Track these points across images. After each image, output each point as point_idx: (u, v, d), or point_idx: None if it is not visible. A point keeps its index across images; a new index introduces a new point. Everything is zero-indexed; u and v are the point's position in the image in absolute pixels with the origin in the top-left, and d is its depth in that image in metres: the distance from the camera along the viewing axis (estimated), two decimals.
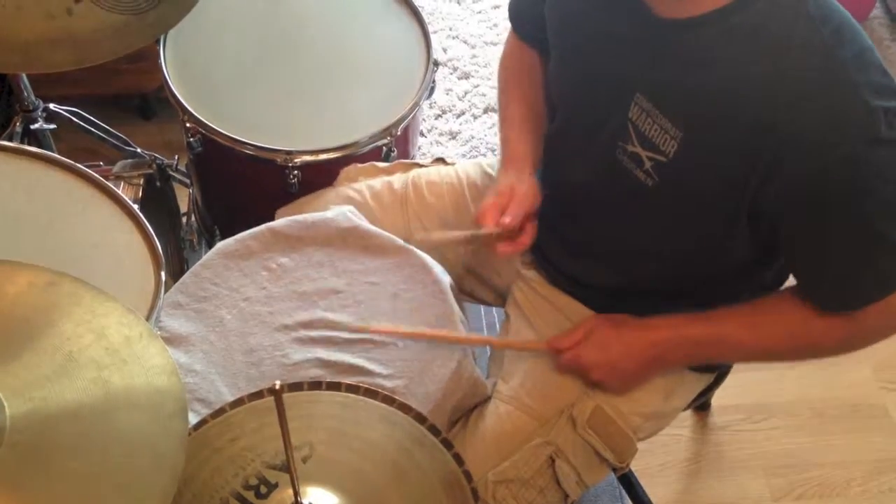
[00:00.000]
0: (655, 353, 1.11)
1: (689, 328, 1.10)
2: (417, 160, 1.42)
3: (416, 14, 1.59)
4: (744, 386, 1.80)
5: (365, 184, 1.35)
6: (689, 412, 1.78)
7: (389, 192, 1.34)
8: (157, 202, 1.53)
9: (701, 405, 1.78)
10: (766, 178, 0.95)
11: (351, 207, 1.28)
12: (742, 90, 0.93)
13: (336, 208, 1.27)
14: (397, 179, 1.36)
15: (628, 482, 1.49)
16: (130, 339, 0.84)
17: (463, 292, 1.36)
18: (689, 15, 0.96)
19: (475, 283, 1.36)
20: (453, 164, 1.39)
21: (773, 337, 1.07)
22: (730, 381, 1.41)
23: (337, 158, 1.40)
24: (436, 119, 2.22)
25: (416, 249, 1.23)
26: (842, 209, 0.95)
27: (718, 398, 1.76)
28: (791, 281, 1.13)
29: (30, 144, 1.52)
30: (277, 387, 0.74)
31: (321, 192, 1.36)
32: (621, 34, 1.03)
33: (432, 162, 1.41)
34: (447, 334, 1.14)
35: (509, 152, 1.21)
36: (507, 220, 1.10)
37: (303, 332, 1.15)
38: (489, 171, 1.35)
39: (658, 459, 1.72)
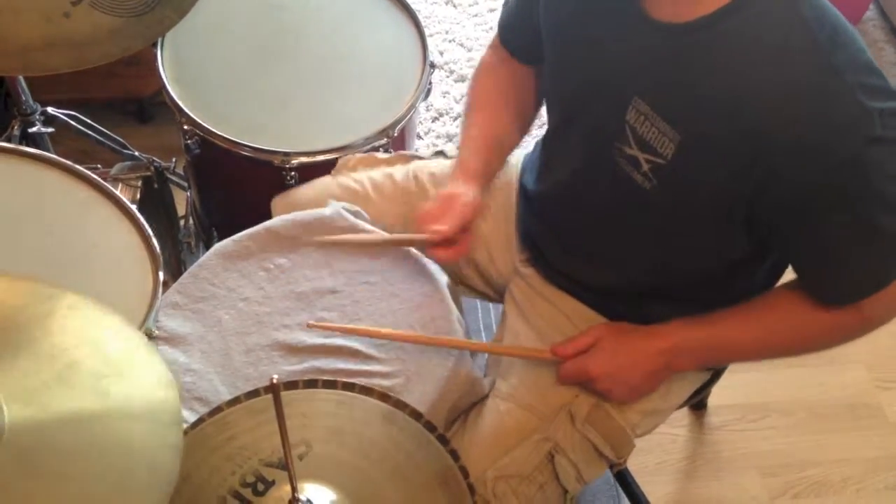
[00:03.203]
0: (664, 361, 1.12)
1: (697, 332, 1.10)
2: (418, 152, 1.42)
3: (412, 17, 1.60)
4: (740, 386, 1.80)
5: (366, 175, 1.35)
6: (685, 411, 1.79)
7: (391, 183, 1.34)
8: (154, 204, 1.53)
9: (698, 405, 1.79)
10: (765, 182, 0.96)
11: (346, 204, 1.28)
12: (739, 94, 0.94)
13: (332, 206, 1.27)
14: (399, 171, 1.36)
15: (625, 481, 1.49)
16: (128, 351, 0.84)
17: (461, 283, 1.37)
18: (685, 19, 0.97)
19: (474, 273, 1.36)
20: (454, 157, 1.40)
21: (779, 333, 1.08)
22: (726, 380, 1.42)
23: (334, 160, 1.41)
24: (433, 122, 2.22)
25: (413, 249, 1.24)
26: (842, 209, 0.96)
27: (715, 398, 1.77)
28: (785, 277, 1.14)
29: (28, 148, 1.53)
30: (274, 381, 0.75)
31: (319, 181, 1.36)
32: (619, 38, 1.03)
33: (432, 155, 1.41)
34: (448, 340, 1.14)
35: (460, 166, 1.23)
36: (440, 228, 1.13)
37: (300, 332, 1.16)
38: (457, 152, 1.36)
39: (655, 458, 1.73)
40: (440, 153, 1.41)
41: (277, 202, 1.35)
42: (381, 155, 1.40)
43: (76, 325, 0.85)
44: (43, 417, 0.77)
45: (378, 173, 1.36)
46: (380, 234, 1.23)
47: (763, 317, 1.08)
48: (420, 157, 1.40)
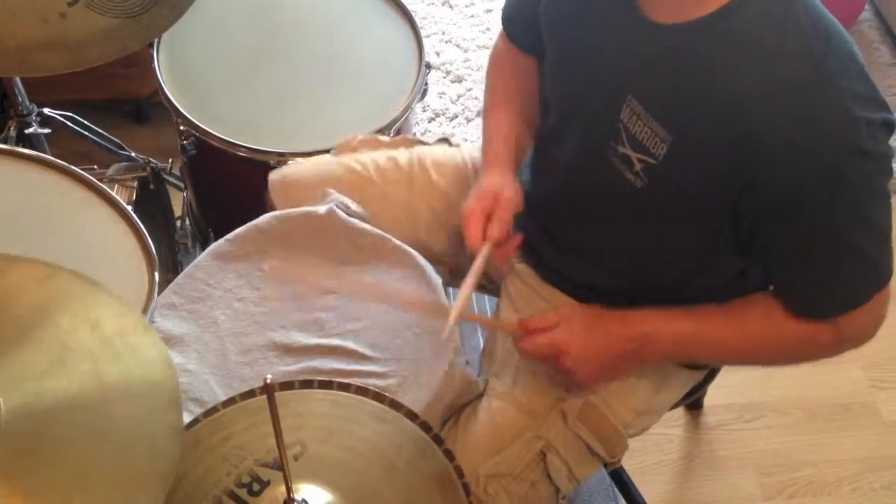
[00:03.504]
0: (632, 347, 1.10)
1: (670, 325, 1.09)
2: (421, 138, 1.41)
3: (408, 17, 1.61)
4: (736, 385, 1.81)
5: (369, 157, 1.34)
6: (681, 411, 1.79)
7: (395, 168, 1.33)
8: (150, 205, 1.53)
9: (693, 404, 1.79)
10: (750, 184, 0.96)
11: (342, 199, 1.27)
12: (731, 96, 0.94)
13: (327, 201, 1.27)
14: (402, 155, 1.35)
15: (621, 481, 1.50)
16: (125, 330, 0.84)
17: (460, 277, 1.36)
18: (681, 20, 0.97)
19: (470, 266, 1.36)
20: (458, 145, 1.39)
21: (755, 338, 1.08)
22: (722, 380, 1.42)
23: None
24: (429, 122, 2.23)
25: (409, 249, 1.24)
26: (820, 218, 0.96)
27: (711, 398, 1.77)
28: None
29: (24, 149, 1.53)
30: (268, 380, 0.75)
31: (320, 158, 1.34)
32: (616, 38, 1.04)
33: (436, 141, 1.40)
34: (420, 301, 1.14)
35: (492, 153, 1.21)
36: (494, 233, 1.11)
37: (296, 332, 1.16)
38: (482, 144, 1.35)
39: (651, 458, 1.73)
40: (444, 140, 1.40)
41: (274, 178, 1.33)
42: (383, 137, 1.39)
43: (72, 305, 0.86)
44: (40, 405, 0.77)
45: (381, 156, 1.34)
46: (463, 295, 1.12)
47: (738, 318, 1.08)
48: (423, 142, 1.39)
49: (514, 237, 1.14)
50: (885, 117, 0.94)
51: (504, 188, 1.15)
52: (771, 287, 1.12)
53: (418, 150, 1.36)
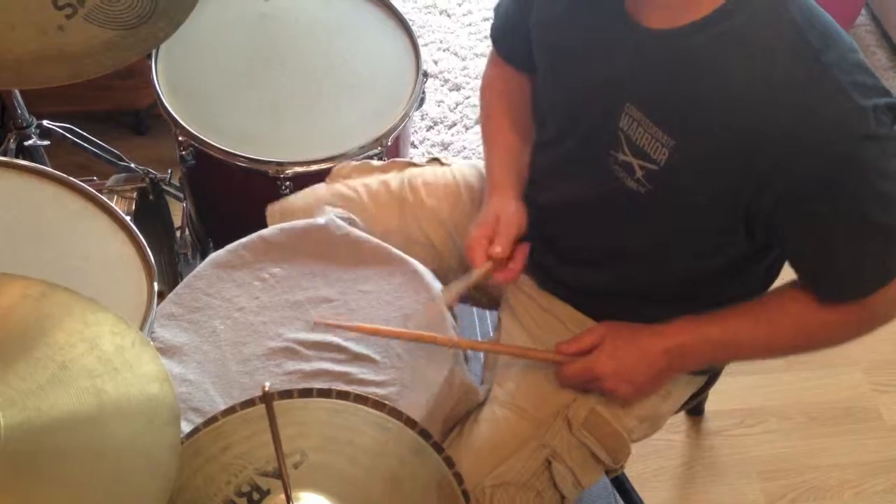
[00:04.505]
0: (668, 360, 1.11)
1: (701, 332, 1.10)
2: (413, 160, 1.42)
3: (405, 26, 1.61)
4: (737, 391, 1.81)
5: (360, 182, 1.35)
6: (683, 417, 1.79)
7: (386, 191, 1.34)
8: (150, 216, 1.54)
9: (695, 410, 1.79)
10: (762, 183, 0.97)
11: (341, 212, 1.28)
12: (732, 96, 0.95)
13: (327, 212, 1.27)
14: (393, 178, 1.36)
15: (623, 487, 1.49)
16: (123, 347, 0.85)
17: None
18: (676, 25, 0.98)
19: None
20: (449, 164, 1.40)
21: (784, 331, 1.08)
22: (724, 386, 1.42)
23: (328, 169, 1.42)
24: (427, 130, 2.23)
25: (407, 257, 1.24)
26: (841, 205, 0.97)
27: (712, 403, 1.77)
28: (780, 279, 1.14)
29: (24, 161, 1.53)
30: (266, 388, 0.75)
31: (314, 189, 1.37)
32: (609, 45, 1.04)
33: (427, 162, 1.41)
34: (457, 340, 1.14)
35: (493, 180, 1.23)
36: (496, 250, 1.13)
37: (295, 342, 1.16)
38: (485, 172, 1.36)
39: (653, 465, 1.73)
40: (435, 160, 1.42)
41: (272, 210, 1.36)
42: (375, 162, 1.41)
43: (69, 322, 0.86)
44: (38, 421, 0.77)
45: (373, 180, 1.36)
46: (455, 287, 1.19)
47: (767, 315, 1.09)
48: (415, 165, 1.40)
49: (514, 260, 1.15)
50: (887, 102, 0.95)
51: (505, 211, 1.17)
52: (776, 284, 1.13)
53: (409, 172, 1.38)
